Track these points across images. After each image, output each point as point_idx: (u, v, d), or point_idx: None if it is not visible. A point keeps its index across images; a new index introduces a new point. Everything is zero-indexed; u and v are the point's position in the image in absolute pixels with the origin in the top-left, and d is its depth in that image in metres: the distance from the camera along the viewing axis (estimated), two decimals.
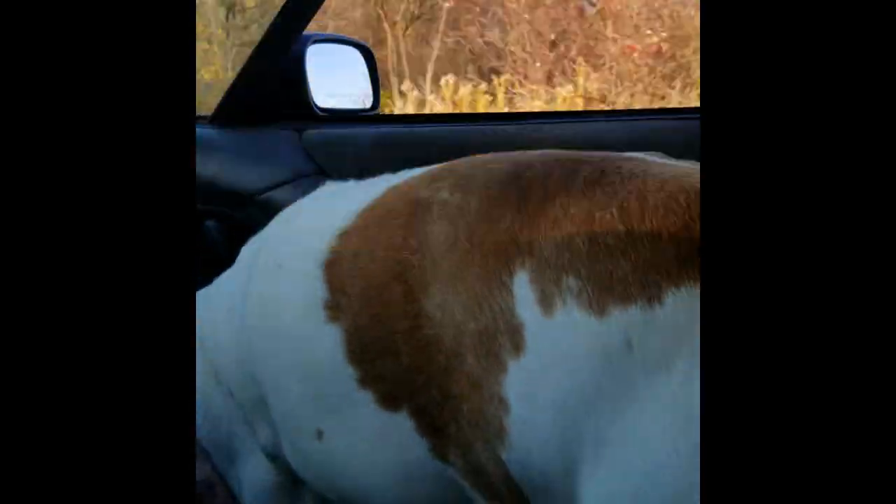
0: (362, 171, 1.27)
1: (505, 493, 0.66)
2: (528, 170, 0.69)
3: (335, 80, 1.60)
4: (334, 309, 0.73)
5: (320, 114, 1.43)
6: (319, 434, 0.77)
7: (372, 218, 0.76)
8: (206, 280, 1.31)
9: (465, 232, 0.67)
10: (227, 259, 1.31)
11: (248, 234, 1.28)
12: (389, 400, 0.71)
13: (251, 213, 1.27)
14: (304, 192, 1.27)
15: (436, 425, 0.69)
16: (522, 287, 0.61)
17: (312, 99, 1.40)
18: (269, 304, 0.81)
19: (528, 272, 0.61)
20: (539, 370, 0.60)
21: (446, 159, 1.25)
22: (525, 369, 0.60)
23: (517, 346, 0.61)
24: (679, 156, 1.17)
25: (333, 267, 0.75)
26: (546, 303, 0.60)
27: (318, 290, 0.75)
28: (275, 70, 1.30)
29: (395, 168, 1.26)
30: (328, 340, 0.73)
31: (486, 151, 1.24)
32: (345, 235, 0.76)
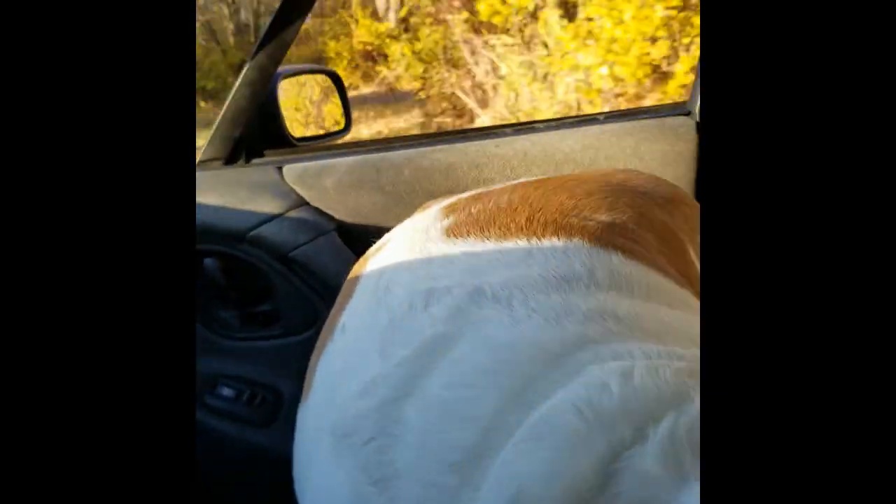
0: (341, 197, 1.37)
1: None
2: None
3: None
4: None
5: (297, 143, 1.52)
6: None
7: None
8: (209, 312, 1.40)
9: None
10: (228, 292, 1.41)
11: (246, 267, 1.37)
12: None
13: (245, 250, 1.35)
14: (290, 226, 1.37)
15: None
16: None
17: (287, 131, 1.50)
18: None
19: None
20: None
21: (417, 181, 1.35)
22: None
23: None
24: (633, 154, 1.28)
25: None
26: None
27: None
28: (253, 109, 1.39)
29: (371, 192, 1.36)
30: None
31: (451, 170, 1.34)
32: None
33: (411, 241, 0.72)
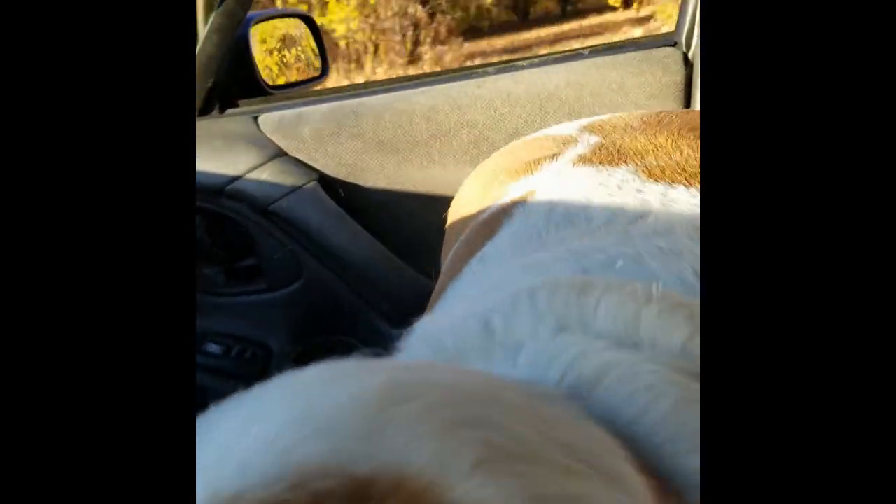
0: (320, 145, 1.33)
1: None
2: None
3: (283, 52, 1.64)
4: None
5: (272, 91, 1.45)
6: None
7: None
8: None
9: None
10: (209, 248, 1.37)
11: (226, 222, 1.34)
12: None
13: (224, 204, 1.32)
14: (269, 178, 1.33)
15: None
16: None
17: (261, 78, 1.43)
18: None
19: None
20: None
21: (399, 125, 1.31)
22: None
23: None
24: (619, 89, 1.25)
25: None
26: None
27: None
28: (224, 57, 1.33)
29: (351, 139, 1.33)
30: None
31: (433, 112, 1.30)
32: None
33: (586, 181, 0.60)
